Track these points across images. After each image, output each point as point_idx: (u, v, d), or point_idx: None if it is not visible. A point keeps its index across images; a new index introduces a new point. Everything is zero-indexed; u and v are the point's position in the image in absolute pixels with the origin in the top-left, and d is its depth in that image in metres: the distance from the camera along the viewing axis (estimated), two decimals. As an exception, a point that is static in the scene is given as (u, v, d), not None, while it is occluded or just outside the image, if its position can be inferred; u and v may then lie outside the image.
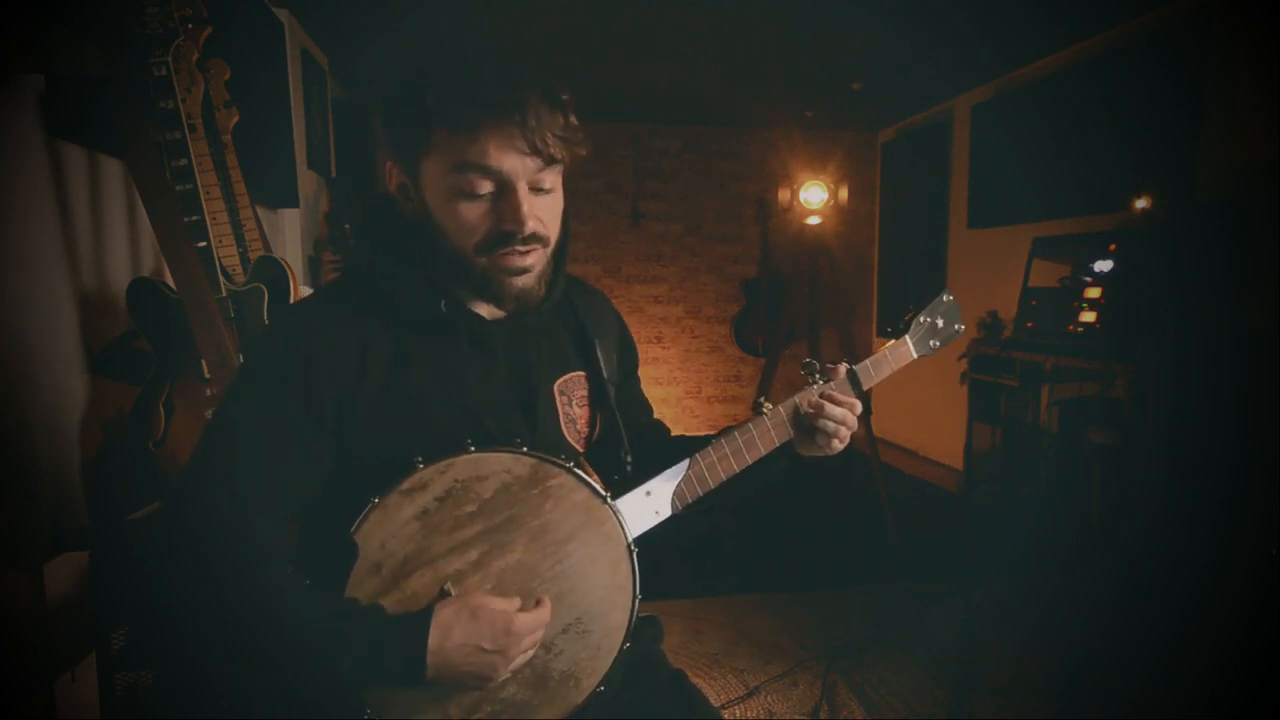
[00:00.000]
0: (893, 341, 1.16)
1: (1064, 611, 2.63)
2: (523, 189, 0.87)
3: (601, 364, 1.04)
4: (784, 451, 1.07)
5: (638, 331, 5.36)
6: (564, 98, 0.88)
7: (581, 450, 1.04)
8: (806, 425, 1.04)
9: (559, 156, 0.87)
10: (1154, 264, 2.89)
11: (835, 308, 3.58)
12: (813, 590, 2.89)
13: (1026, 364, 3.34)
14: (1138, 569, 2.66)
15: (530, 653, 0.86)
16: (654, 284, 5.54)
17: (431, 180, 0.88)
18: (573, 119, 0.88)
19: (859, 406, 1.05)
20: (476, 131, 0.84)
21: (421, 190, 0.90)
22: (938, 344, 1.19)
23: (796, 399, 1.05)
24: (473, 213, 0.87)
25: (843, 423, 1.03)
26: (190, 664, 1.05)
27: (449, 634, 0.80)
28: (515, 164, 0.85)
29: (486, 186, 0.86)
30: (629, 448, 1.03)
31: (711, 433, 1.05)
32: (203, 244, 1.59)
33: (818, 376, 1.07)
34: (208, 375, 1.57)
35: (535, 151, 0.85)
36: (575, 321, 1.05)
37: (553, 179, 0.90)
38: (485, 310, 0.96)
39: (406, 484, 0.84)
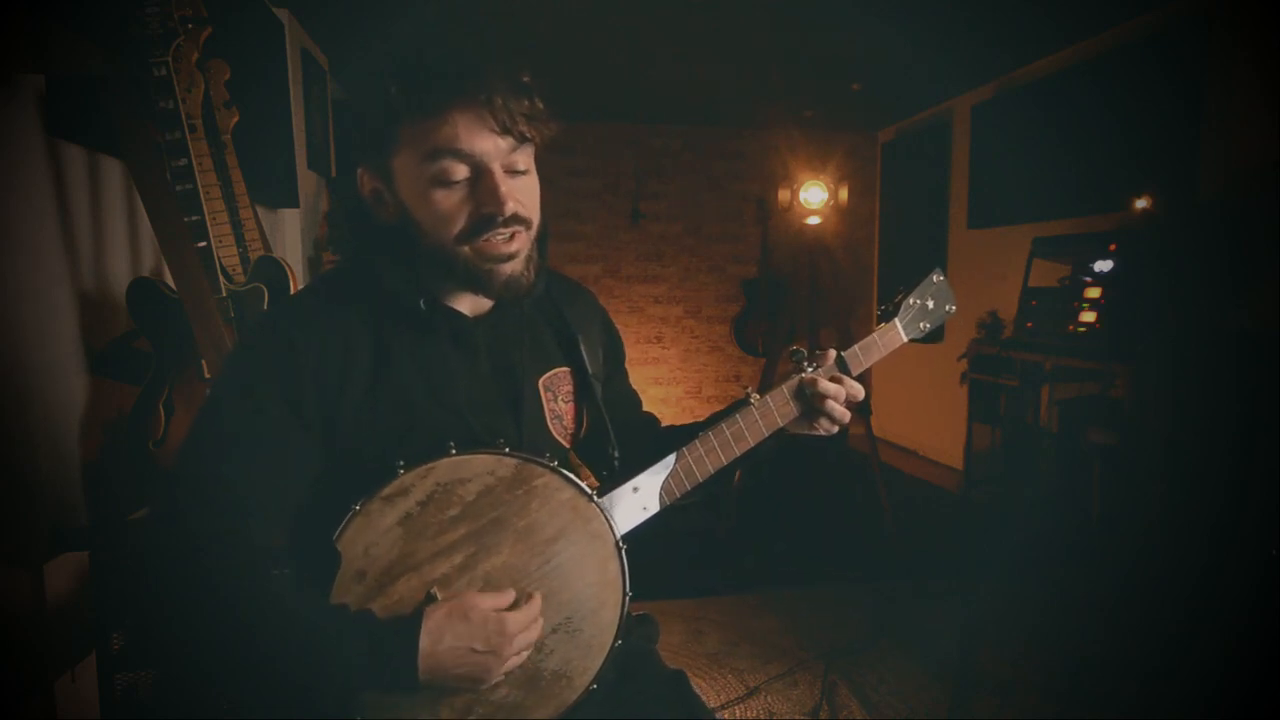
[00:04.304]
0: (882, 325, 1.14)
1: (1064, 611, 2.62)
2: (498, 170, 0.86)
3: (586, 359, 1.04)
4: (773, 435, 1.05)
5: (638, 331, 5.39)
6: (525, 80, 0.87)
7: (568, 446, 1.04)
8: (805, 402, 1.03)
9: (530, 135, 0.87)
10: (1154, 264, 2.89)
11: (835, 308, 3.58)
12: (813, 590, 2.89)
13: (1026, 364, 3.34)
14: (1138, 569, 2.65)
15: (525, 653, 0.85)
16: (654, 284, 5.53)
17: (405, 176, 0.88)
18: (538, 101, 0.88)
19: (857, 389, 1.03)
20: (445, 115, 0.83)
21: (396, 190, 0.89)
22: (928, 326, 1.17)
23: (784, 387, 1.04)
24: (450, 201, 0.86)
25: (836, 398, 1.01)
26: (190, 664, 1.05)
27: (440, 637, 0.79)
28: (488, 145, 0.85)
29: (461, 172, 0.85)
30: (616, 443, 1.02)
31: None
32: (203, 244, 1.59)
33: (806, 365, 1.06)
34: (208, 375, 1.58)
35: (506, 130, 0.85)
36: (558, 317, 1.05)
37: (526, 160, 0.90)
38: (469, 306, 0.95)
39: (387, 490, 0.83)
